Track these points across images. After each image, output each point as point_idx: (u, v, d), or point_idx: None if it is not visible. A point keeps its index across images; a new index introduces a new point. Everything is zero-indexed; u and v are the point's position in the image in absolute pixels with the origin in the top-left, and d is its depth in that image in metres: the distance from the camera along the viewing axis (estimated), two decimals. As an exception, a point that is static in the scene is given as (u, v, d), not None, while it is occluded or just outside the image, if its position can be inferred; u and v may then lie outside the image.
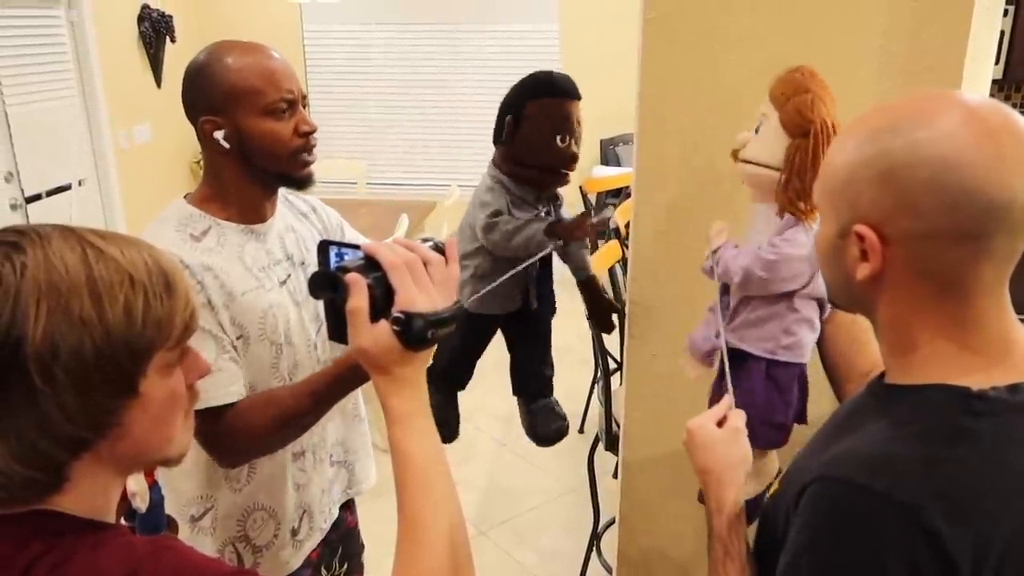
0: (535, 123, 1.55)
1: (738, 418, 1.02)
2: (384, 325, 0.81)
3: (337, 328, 0.84)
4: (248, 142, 1.28)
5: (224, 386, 1.23)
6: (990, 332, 0.76)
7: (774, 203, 1.10)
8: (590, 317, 1.79)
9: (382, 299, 0.82)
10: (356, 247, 0.87)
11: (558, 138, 1.54)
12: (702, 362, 1.23)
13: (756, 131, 1.12)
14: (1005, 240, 0.72)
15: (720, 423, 1.02)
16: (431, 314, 0.81)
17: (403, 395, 0.83)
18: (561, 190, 1.68)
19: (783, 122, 1.07)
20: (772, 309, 1.14)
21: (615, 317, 1.89)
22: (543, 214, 1.61)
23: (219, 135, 1.27)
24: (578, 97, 1.57)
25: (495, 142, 1.66)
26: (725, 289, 1.22)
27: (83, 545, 0.70)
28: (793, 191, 1.07)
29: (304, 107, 1.33)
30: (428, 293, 0.82)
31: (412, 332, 0.80)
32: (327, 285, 0.83)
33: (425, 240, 0.88)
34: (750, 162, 1.11)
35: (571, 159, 1.54)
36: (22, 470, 0.69)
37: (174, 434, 0.78)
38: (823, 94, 1.07)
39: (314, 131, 1.32)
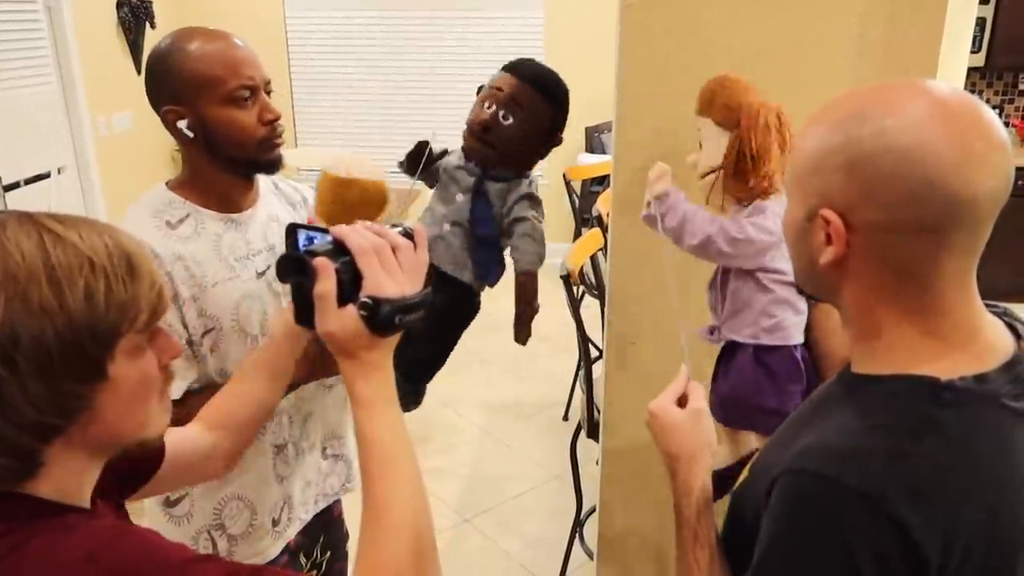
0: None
1: (699, 397, 1.01)
2: (351, 310, 0.81)
3: (304, 312, 0.84)
4: (212, 131, 1.27)
5: None
6: (954, 319, 0.76)
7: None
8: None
9: (350, 284, 0.81)
10: (325, 231, 0.87)
11: (485, 104, 1.66)
12: (707, 339, 1.25)
13: (700, 147, 1.18)
14: (965, 235, 0.72)
15: (682, 402, 1.00)
16: (398, 300, 0.81)
17: (369, 379, 0.83)
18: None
19: (718, 123, 1.13)
20: (747, 295, 1.16)
21: (598, 304, 1.91)
22: (480, 189, 1.68)
23: (182, 124, 1.26)
24: (515, 72, 1.66)
25: None
26: (714, 275, 1.23)
27: (45, 528, 0.70)
28: (740, 175, 1.11)
29: (267, 93, 1.32)
30: (396, 279, 0.82)
31: (379, 317, 0.80)
32: (294, 268, 0.83)
33: (395, 226, 0.88)
34: (708, 172, 1.16)
35: (480, 123, 1.64)
36: None
37: (149, 416, 0.78)
38: (738, 88, 1.14)
39: (278, 118, 1.31)
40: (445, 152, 1.73)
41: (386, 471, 0.80)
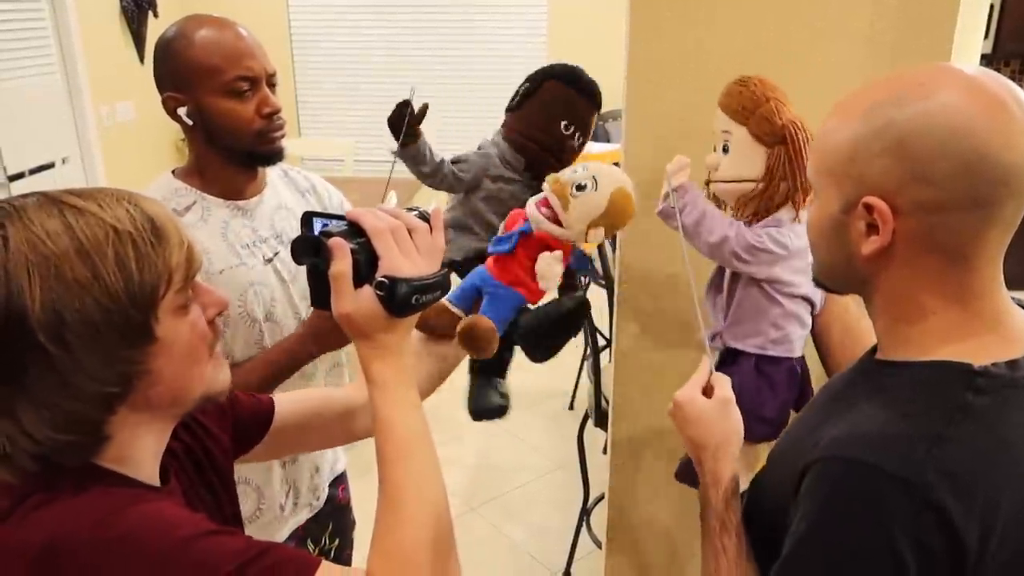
0: (545, 100, 1.61)
1: (724, 386, 0.98)
2: (368, 290, 0.80)
3: (320, 294, 0.83)
4: (210, 121, 1.27)
5: None
6: (987, 302, 0.76)
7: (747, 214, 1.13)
8: None
9: (366, 265, 0.81)
10: (340, 217, 0.86)
11: (563, 124, 1.57)
12: (707, 344, 1.23)
13: (724, 151, 1.12)
14: (1012, 206, 0.72)
15: (707, 392, 0.98)
16: (416, 280, 0.81)
17: (386, 361, 0.82)
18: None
19: (754, 135, 1.08)
20: (756, 306, 1.14)
21: (605, 293, 1.90)
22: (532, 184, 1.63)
23: (182, 112, 1.27)
24: (596, 103, 1.62)
25: (508, 109, 1.69)
26: (715, 278, 1.22)
27: (71, 490, 0.71)
28: (783, 193, 1.09)
29: (271, 85, 1.31)
30: (413, 260, 0.82)
31: (396, 297, 0.79)
32: (310, 250, 0.82)
33: (411, 209, 0.87)
34: (729, 181, 1.12)
35: (569, 150, 1.59)
36: (60, 436, 0.70)
37: (205, 371, 0.79)
38: (781, 97, 1.09)
39: (277, 112, 1.30)
40: (426, 108, 1.63)
41: (403, 455, 0.80)
